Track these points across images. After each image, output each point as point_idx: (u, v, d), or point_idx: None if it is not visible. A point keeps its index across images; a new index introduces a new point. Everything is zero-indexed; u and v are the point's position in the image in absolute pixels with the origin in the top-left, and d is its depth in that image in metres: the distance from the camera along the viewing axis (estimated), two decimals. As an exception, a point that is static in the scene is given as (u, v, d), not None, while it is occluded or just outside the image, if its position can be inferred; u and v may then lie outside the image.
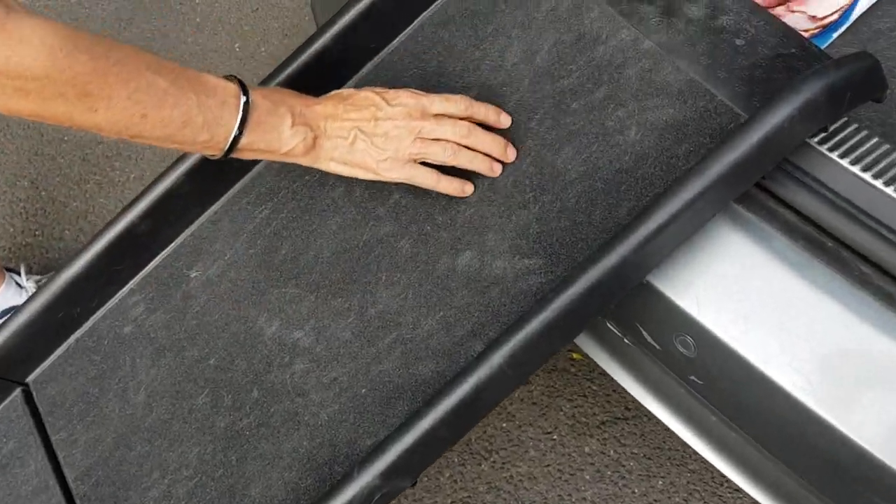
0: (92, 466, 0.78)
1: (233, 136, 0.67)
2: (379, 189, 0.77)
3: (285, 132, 0.70)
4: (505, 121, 0.75)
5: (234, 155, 0.69)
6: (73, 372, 0.82)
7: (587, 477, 1.18)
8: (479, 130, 0.73)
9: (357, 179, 0.74)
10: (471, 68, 0.78)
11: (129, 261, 0.83)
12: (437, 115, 0.73)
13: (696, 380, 0.73)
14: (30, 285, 1.26)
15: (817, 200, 0.66)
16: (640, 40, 0.73)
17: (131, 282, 0.84)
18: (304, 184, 0.81)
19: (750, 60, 0.69)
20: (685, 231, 0.63)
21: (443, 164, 0.73)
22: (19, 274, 1.27)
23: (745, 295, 0.67)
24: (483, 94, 0.77)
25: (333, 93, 0.74)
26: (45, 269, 1.36)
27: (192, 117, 0.65)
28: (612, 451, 1.19)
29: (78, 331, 0.84)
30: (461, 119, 0.73)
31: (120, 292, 0.84)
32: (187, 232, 0.83)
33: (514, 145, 0.73)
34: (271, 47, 1.59)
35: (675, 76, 0.70)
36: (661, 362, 0.77)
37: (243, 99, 0.67)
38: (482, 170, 0.73)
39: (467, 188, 0.74)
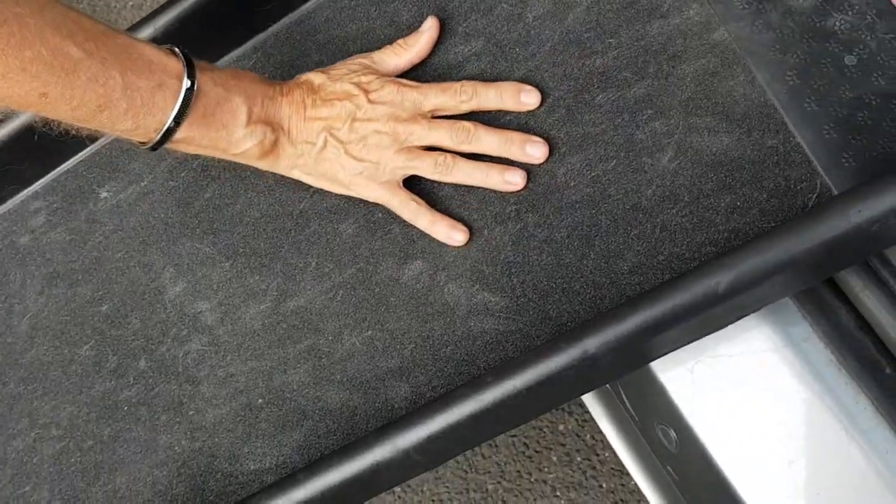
0: None
1: (165, 128, 0.50)
2: (334, 145, 0.59)
3: (237, 131, 0.53)
4: (530, 100, 0.55)
5: (169, 147, 0.53)
6: None
7: (554, 458, 1.06)
8: (485, 130, 0.54)
9: None
10: (482, 9, 0.58)
11: (33, 161, 0.68)
12: (432, 114, 0.55)
13: (672, 473, 0.58)
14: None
15: (893, 305, 0.48)
16: (713, 27, 0.52)
17: (36, 184, 0.69)
18: (250, 112, 0.63)
19: (856, 92, 0.48)
20: (707, 328, 0.46)
21: (437, 180, 0.56)
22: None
23: (758, 410, 0.50)
24: (487, 50, 0.57)
25: (302, 78, 0.57)
26: None
27: (113, 101, 0.48)
28: (588, 436, 1.06)
29: (-30, 227, 0.71)
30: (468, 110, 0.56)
31: (22, 193, 0.69)
32: (104, 140, 0.68)
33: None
34: None
35: (746, 91, 0.50)
36: (639, 432, 0.62)
37: (186, 83, 0.50)
38: (492, 185, 0.54)
39: (456, 235, 0.54)
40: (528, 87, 0.55)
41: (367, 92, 0.55)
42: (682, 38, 0.52)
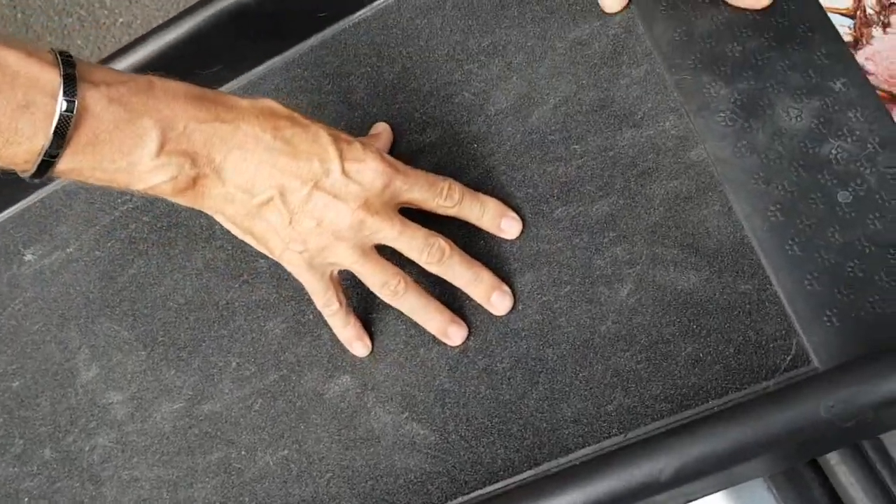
0: None
1: (40, 158, 0.40)
2: (269, 232, 0.54)
3: (143, 161, 0.41)
4: (510, 229, 0.48)
5: (56, 177, 0.43)
6: None
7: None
8: (459, 259, 0.47)
9: None
10: (442, 96, 0.52)
11: (-43, 215, 0.63)
12: (404, 205, 0.47)
13: None
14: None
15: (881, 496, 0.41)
16: (690, 143, 0.46)
17: (-39, 237, 0.64)
18: (187, 184, 0.58)
19: (848, 237, 0.42)
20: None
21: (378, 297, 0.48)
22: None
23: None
24: (443, 143, 0.51)
25: (263, 103, 0.45)
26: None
27: None
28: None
29: None
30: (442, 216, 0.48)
31: (-54, 246, 0.64)
32: (34, 197, 0.62)
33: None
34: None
35: (721, 224, 0.44)
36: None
37: (63, 103, 0.39)
38: (429, 329, 0.48)
39: (357, 346, 0.49)
40: (512, 215, 0.48)
41: (343, 157, 0.44)
42: (654, 154, 0.46)
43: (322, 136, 0.44)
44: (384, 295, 0.47)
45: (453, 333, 0.47)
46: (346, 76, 0.55)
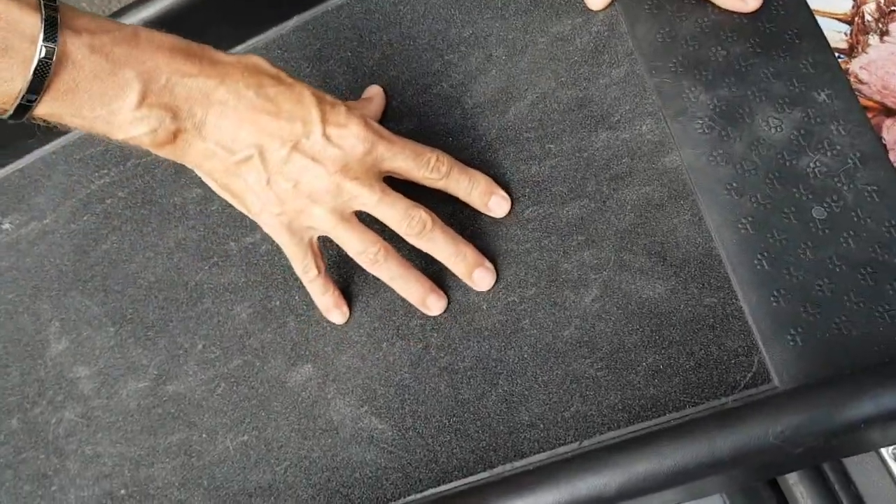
0: None
1: (17, 102, 0.39)
2: (241, 214, 0.53)
3: (122, 112, 0.41)
4: (498, 208, 0.47)
5: (33, 121, 0.42)
6: None
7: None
8: (441, 232, 0.46)
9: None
10: (421, 86, 0.51)
11: (-65, 179, 0.62)
12: (388, 174, 0.46)
13: None
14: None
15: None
16: (666, 149, 0.44)
17: (-60, 201, 0.64)
18: (163, 161, 0.57)
19: (819, 254, 0.41)
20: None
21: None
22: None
23: None
24: (418, 134, 0.50)
25: (250, 59, 0.44)
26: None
27: None
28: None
29: None
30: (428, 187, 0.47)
31: (-76, 210, 0.64)
32: (14, 166, 0.62)
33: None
34: None
35: (690, 234, 0.43)
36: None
37: (42, 48, 0.38)
38: (408, 298, 0.47)
39: (335, 315, 0.49)
40: (502, 193, 0.47)
41: (325, 120, 0.43)
42: (628, 158, 0.45)
43: (306, 97, 0.43)
44: (363, 262, 0.46)
45: (432, 303, 0.47)
46: (325, 60, 0.54)
